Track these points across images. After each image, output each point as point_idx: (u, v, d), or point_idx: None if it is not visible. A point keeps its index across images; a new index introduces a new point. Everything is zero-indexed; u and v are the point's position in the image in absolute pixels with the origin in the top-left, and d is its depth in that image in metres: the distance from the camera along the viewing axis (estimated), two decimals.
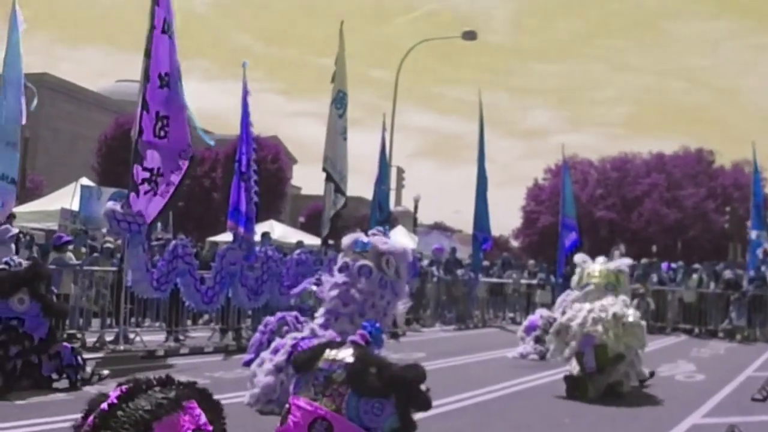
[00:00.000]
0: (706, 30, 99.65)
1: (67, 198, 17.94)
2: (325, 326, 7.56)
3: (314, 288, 10.48)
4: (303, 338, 7.28)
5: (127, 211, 10.44)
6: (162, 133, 10.82)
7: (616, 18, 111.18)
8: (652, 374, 9.72)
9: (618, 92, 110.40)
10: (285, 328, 9.75)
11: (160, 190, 10.83)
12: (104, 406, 3.25)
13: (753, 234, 20.01)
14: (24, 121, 12.07)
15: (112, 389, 3.40)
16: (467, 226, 23.80)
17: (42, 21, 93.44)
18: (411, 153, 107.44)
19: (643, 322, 9.14)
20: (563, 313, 9.39)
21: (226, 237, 16.09)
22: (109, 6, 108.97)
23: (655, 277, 19.36)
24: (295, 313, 10.43)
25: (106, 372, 8.22)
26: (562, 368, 9.38)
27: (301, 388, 4.62)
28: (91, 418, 3.27)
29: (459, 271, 19.74)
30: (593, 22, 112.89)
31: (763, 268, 18.61)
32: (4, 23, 12.39)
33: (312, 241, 20.63)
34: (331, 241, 15.05)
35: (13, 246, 10.84)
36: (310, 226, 31.68)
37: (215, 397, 3.55)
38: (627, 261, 10.70)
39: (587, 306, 9.01)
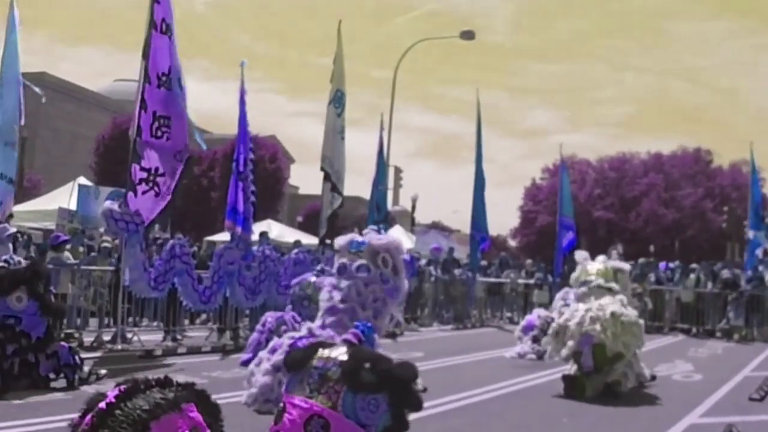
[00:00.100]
0: (706, 30, 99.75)
1: (64, 197, 17.93)
2: (323, 326, 7.56)
3: (314, 279, 10.53)
4: (300, 338, 7.27)
5: (124, 210, 10.43)
6: (159, 133, 10.82)
7: (616, 18, 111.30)
8: (653, 378, 9.71)
9: (618, 92, 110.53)
10: (283, 327, 9.76)
11: (162, 191, 10.84)
12: (102, 405, 3.25)
13: (751, 234, 20.07)
14: (22, 121, 12.06)
15: (109, 389, 3.41)
16: (465, 226, 23.83)
17: (42, 21, 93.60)
18: (409, 153, 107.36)
19: (642, 321, 9.14)
20: (561, 313, 9.39)
21: (224, 236, 16.09)
22: (109, 6, 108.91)
23: (652, 277, 19.36)
24: (292, 313, 10.43)
25: (103, 371, 8.22)
26: (560, 368, 9.38)
27: (295, 387, 4.61)
28: (88, 417, 3.27)
29: (457, 271, 19.77)
30: (593, 22, 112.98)
31: (760, 268, 18.65)
32: (2, 23, 12.39)
33: (310, 240, 20.62)
34: (328, 241, 15.05)
35: (10, 245, 10.83)
36: (308, 225, 31.67)
37: (213, 398, 3.55)
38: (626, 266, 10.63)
39: (585, 305, 9.00)
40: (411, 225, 33.67)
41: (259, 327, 10.31)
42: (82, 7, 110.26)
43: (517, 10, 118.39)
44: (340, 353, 4.65)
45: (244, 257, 12.38)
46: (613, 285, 9.37)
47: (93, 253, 13.54)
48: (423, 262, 19.85)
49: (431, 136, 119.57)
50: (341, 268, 7.80)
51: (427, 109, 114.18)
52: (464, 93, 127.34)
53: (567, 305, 10.31)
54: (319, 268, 11.77)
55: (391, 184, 29.20)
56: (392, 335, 13.83)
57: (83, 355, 8.50)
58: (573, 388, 8.67)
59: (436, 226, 49.05)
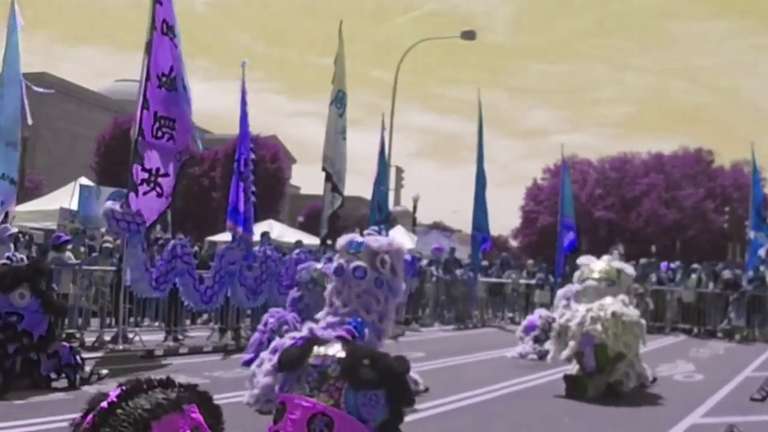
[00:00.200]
0: (706, 30, 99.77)
1: (66, 197, 17.94)
2: (324, 327, 7.56)
3: (319, 265, 10.55)
4: (301, 338, 7.27)
5: (126, 210, 10.43)
6: (160, 134, 10.82)
7: (616, 18, 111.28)
8: (654, 380, 9.69)
9: (618, 92, 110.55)
10: (285, 327, 9.76)
11: (165, 192, 10.85)
12: (104, 404, 3.24)
13: (752, 234, 20.05)
14: (30, 121, 12.05)
15: (111, 389, 3.41)
16: (466, 226, 23.81)
17: (42, 21, 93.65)
18: (410, 153, 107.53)
19: (643, 321, 9.13)
20: (562, 314, 9.36)
21: (225, 237, 16.08)
22: (109, 6, 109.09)
23: (654, 277, 19.33)
24: (293, 314, 10.43)
25: (105, 371, 8.23)
26: (561, 368, 9.38)
27: (293, 386, 4.60)
28: (90, 416, 3.27)
29: (458, 271, 19.75)
30: (593, 22, 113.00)
31: (762, 268, 18.62)
32: (3, 23, 12.38)
33: (311, 240, 20.62)
34: (329, 241, 15.05)
35: (12, 245, 10.83)
36: (309, 225, 31.67)
37: (215, 398, 3.55)
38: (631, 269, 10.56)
39: (585, 306, 8.99)
40: (412, 225, 33.66)
41: (260, 327, 10.31)
42: (82, 7, 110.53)
43: (518, 10, 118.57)
44: (337, 350, 4.65)
45: (245, 257, 12.38)
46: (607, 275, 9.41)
47: (94, 254, 13.54)
48: (424, 262, 19.85)
49: (432, 136, 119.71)
50: (338, 269, 7.79)
51: (428, 109, 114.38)
52: (465, 93, 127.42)
53: (568, 306, 10.28)
54: (327, 256, 11.80)
55: (392, 184, 29.17)
56: (393, 336, 13.82)
57: (85, 355, 8.50)
58: (575, 388, 8.66)
59: (438, 227, 49.15)
